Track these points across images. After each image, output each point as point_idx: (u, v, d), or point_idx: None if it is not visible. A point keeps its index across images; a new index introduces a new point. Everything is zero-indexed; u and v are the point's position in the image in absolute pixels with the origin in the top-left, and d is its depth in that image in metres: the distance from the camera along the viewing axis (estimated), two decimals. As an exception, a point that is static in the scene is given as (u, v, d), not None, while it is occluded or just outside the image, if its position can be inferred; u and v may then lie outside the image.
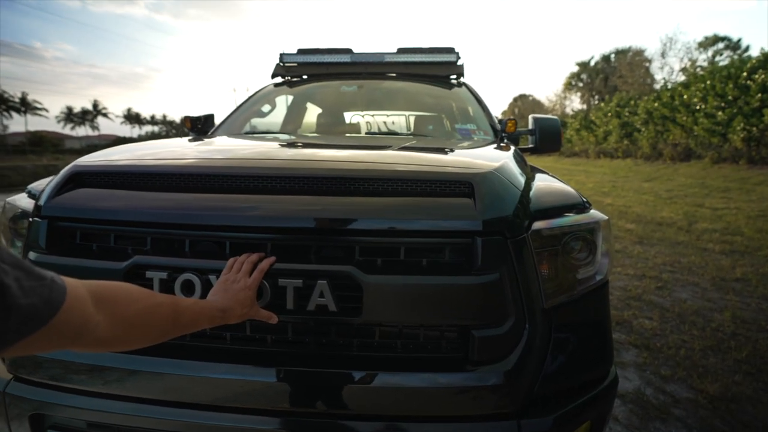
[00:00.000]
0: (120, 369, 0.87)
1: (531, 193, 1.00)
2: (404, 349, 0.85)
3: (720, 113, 11.99)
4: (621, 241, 5.02)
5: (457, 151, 1.24)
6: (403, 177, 0.88)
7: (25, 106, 54.51)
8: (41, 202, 0.94)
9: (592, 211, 1.04)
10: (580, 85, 43.60)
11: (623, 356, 2.34)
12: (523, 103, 58.66)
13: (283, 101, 2.56)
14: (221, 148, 1.36)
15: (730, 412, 1.81)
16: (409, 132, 2.28)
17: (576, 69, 44.43)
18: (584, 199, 1.06)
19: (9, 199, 1.13)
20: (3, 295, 0.40)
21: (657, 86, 25.70)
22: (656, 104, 15.62)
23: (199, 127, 2.15)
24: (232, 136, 1.96)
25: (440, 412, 0.84)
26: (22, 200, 1.09)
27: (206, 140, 1.57)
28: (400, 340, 0.85)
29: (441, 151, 1.26)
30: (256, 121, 2.35)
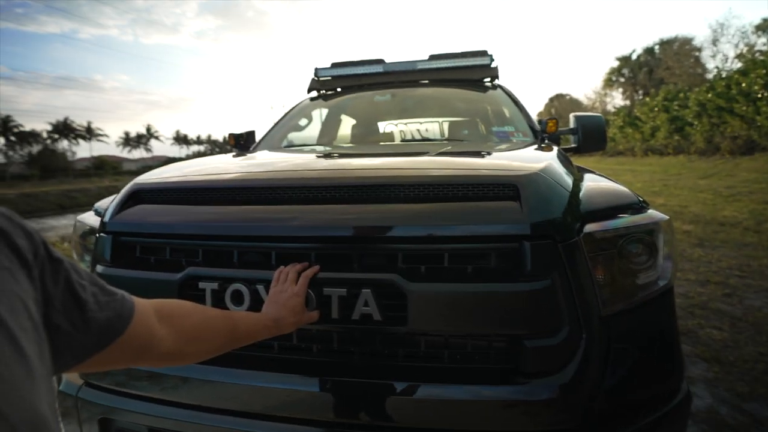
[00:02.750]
0: (176, 376, 0.91)
1: (581, 194, 0.95)
2: (451, 360, 0.82)
3: (787, 100, 10.91)
4: (679, 244, 4.65)
5: (497, 154, 1.21)
6: (444, 182, 0.86)
7: (89, 134, 60.10)
8: (106, 218, 1.02)
9: (650, 211, 0.97)
10: (622, 80, 41.39)
11: (690, 370, 2.14)
12: (560, 103, 56.60)
13: (319, 114, 2.63)
14: (263, 162, 1.41)
15: (824, 435, 1.60)
16: (443, 138, 2.25)
17: (616, 64, 42.29)
18: (640, 199, 0.99)
19: (79, 217, 1.23)
20: (83, 309, 0.43)
21: (709, 76, 23.87)
22: (710, 95, 14.48)
23: (242, 143, 2.25)
24: (273, 150, 2.03)
25: (489, 428, 0.80)
26: (90, 218, 1.19)
27: (249, 155, 1.63)
28: (446, 350, 0.82)
29: (481, 154, 1.23)
30: (294, 135, 2.43)
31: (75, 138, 58.45)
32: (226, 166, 1.27)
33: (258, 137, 2.43)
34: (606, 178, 1.19)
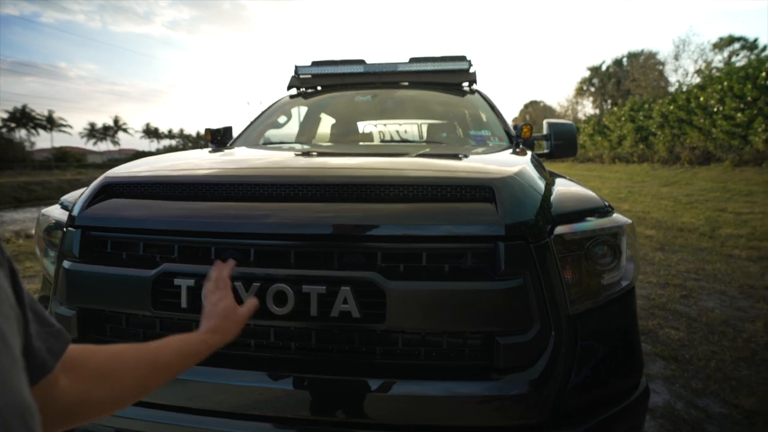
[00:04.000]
0: None
1: (552, 197, 0.99)
2: (428, 357, 0.84)
3: (739, 115, 11.70)
4: (641, 248, 4.90)
5: (474, 157, 1.25)
6: (422, 183, 0.88)
7: (51, 124, 56.76)
8: (74, 212, 0.98)
9: (615, 215, 1.03)
10: (592, 89, 43.18)
11: (650, 368, 2.26)
12: (534, 110, 58.29)
13: (299, 112, 2.61)
14: (241, 158, 1.39)
15: (769, 427, 1.73)
16: (422, 140, 2.29)
17: (587, 74, 44.06)
18: (606, 203, 1.05)
19: (44, 211, 1.17)
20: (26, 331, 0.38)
21: (671, 89, 25.26)
22: (672, 107, 15.34)
23: (219, 139, 2.20)
24: (251, 146, 2.00)
25: (464, 423, 0.82)
26: (56, 211, 1.14)
27: (226, 151, 1.60)
28: (423, 348, 0.84)
29: (458, 156, 1.27)
30: (273, 132, 2.40)
31: (34, 127, 55.04)
32: (203, 161, 1.25)
33: (235, 133, 2.38)
34: (575, 182, 1.25)
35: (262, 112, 2.56)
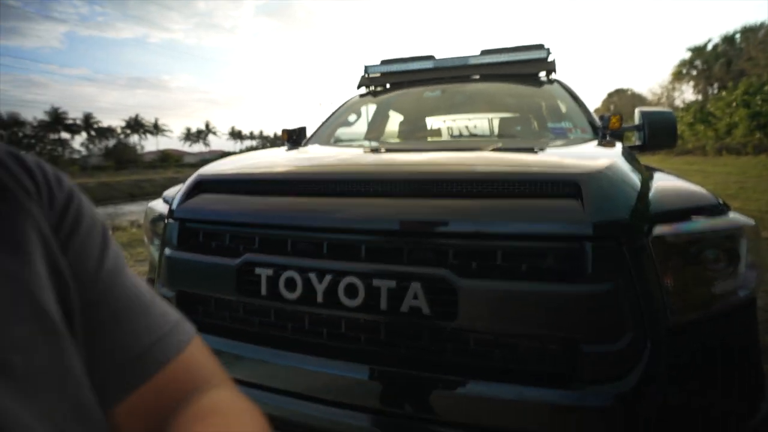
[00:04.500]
0: (231, 354, 0.96)
1: (650, 193, 0.88)
2: (502, 359, 0.80)
3: None
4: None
5: (556, 150, 1.15)
6: (499, 177, 0.84)
7: (156, 129, 65.52)
8: (173, 206, 1.10)
9: (732, 214, 0.87)
10: (694, 73, 37.63)
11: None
12: (620, 99, 52.69)
13: (369, 110, 2.66)
14: (314, 156, 1.45)
15: None
16: (493, 135, 2.18)
17: (688, 56, 38.50)
18: (720, 201, 0.90)
19: (150, 204, 1.35)
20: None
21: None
22: (803, 88, 12.80)
23: (294, 138, 2.33)
24: (323, 145, 2.08)
25: (534, 430, 0.77)
26: (159, 205, 1.29)
27: (301, 150, 1.69)
28: (497, 349, 0.80)
29: (539, 150, 1.18)
30: (343, 131, 2.47)
31: (144, 133, 63.99)
32: (280, 160, 1.33)
33: (309, 133, 2.50)
34: (678, 177, 1.09)
35: (333, 112, 2.66)
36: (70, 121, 50.68)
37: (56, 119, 48.67)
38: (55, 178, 0.32)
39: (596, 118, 1.90)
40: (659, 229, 0.79)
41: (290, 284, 0.88)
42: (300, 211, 0.93)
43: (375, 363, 0.85)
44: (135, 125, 62.41)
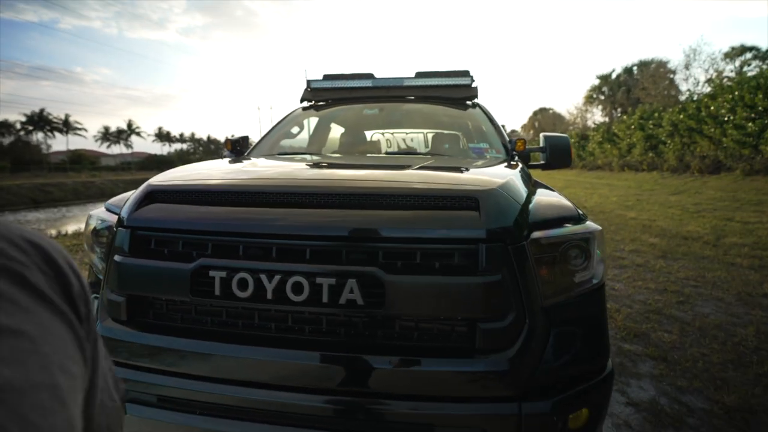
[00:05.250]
0: (181, 351, 1.05)
1: (531, 206, 1.15)
2: (420, 339, 0.99)
3: (750, 124, 11.66)
4: (643, 255, 4.98)
5: (467, 170, 1.40)
6: (418, 193, 1.04)
7: (67, 127, 58.28)
8: (123, 215, 1.15)
9: (587, 222, 1.17)
10: (602, 98, 42.98)
11: (639, 368, 2.38)
12: (543, 117, 58.24)
13: (310, 123, 2.80)
14: (261, 168, 1.56)
15: (746, 422, 1.84)
16: (427, 150, 2.45)
17: (597, 82, 43.91)
18: (580, 212, 1.20)
19: (92, 212, 1.36)
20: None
21: (682, 98, 25.13)
22: (682, 116, 15.30)
23: (238, 148, 2.39)
24: (268, 156, 2.18)
25: (452, 394, 0.97)
26: (103, 214, 1.32)
27: (249, 161, 1.78)
28: (416, 331, 0.99)
29: (453, 169, 1.43)
30: (287, 142, 2.58)
31: (51, 131, 56.58)
32: (229, 172, 1.42)
33: (250, 139, 2.58)
34: (556, 193, 1.40)
35: (277, 123, 2.75)
36: (-47, 113, 43.32)
37: (-67, 110, 41.27)
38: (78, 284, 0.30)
39: (507, 140, 2.25)
40: (535, 234, 1.05)
41: (242, 284, 1.00)
42: (250, 219, 1.05)
43: (319, 349, 1.00)
44: (39, 121, 54.95)
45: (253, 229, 1.04)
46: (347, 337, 1.00)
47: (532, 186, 1.36)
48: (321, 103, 2.85)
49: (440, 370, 0.95)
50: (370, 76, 2.80)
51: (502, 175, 1.27)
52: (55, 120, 56.73)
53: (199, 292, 1.03)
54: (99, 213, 1.34)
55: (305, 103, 2.87)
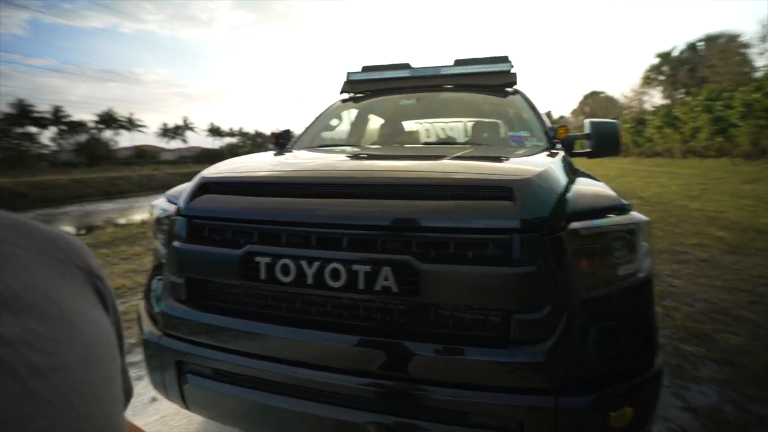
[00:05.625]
0: (232, 329, 1.14)
1: (570, 196, 1.11)
2: (455, 327, 1.01)
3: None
4: (708, 250, 4.57)
5: (503, 159, 1.38)
6: (453, 183, 1.05)
7: (131, 124, 63.51)
8: (181, 205, 1.27)
9: (632, 213, 1.12)
10: (661, 78, 39.28)
11: (700, 371, 2.20)
12: (594, 101, 54.56)
13: (351, 115, 2.85)
14: (302, 161, 1.64)
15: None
16: (466, 139, 2.41)
17: (656, 61, 40.18)
18: (624, 202, 1.14)
19: (155, 203, 1.50)
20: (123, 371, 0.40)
21: (757, 75, 22.37)
22: (757, 95, 13.68)
23: (281, 141, 2.50)
24: (309, 149, 2.26)
25: (486, 383, 0.98)
26: (164, 204, 1.45)
27: (292, 154, 1.87)
28: (451, 320, 1.01)
29: (488, 159, 1.41)
30: (327, 134, 2.66)
31: (118, 128, 61.92)
32: (273, 165, 1.51)
33: (292, 132, 2.69)
34: (598, 182, 1.33)
35: (317, 116, 2.83)
36: (38, 115, 48.65)
37: (22, 112, 46.60)
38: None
39: (550, 127, 2.16)
40: (574, 225, 1.01)
41: (285, 270, 1.06)
42: (292, 209, 1.12)
43: (356, 333, 1.04)
44: (108, 120, 60.34)
45: (293, 218, 1.10)
46: (383, 323, 1.04)
47: (572, 175, 1.31)
48: (359, 94, 2.89)
49: (475, 359, 0.96)
50: (407, 66, 2.79)
51: (539, 163, 1.23)
52: (121, 118, 62.03)
53: (247, 276, 1.11)
54: (160, 203, 1.48)
55: (344, 95, 2.93)
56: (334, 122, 2.77)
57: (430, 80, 2.68)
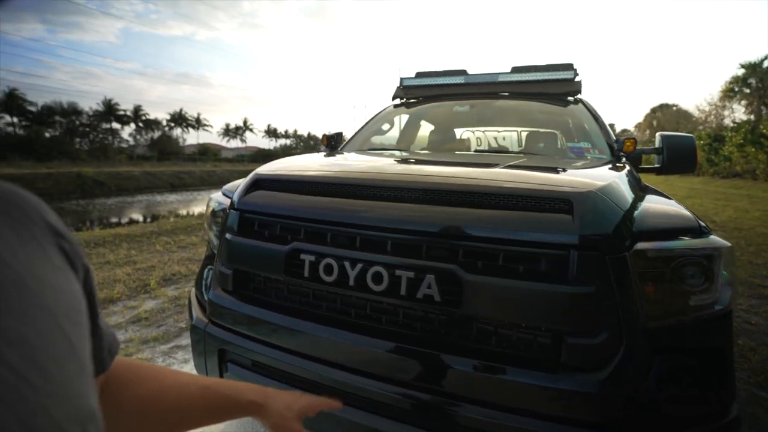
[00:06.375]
0: (272, 323, 1.17)
1: (638, 213, 1.01)
2: (499, 344, 0.95)
3: None
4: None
5: (562, 170, 1.29)
6: (506, 192, 0.99)
7: (198, 124, 68.83)
8: (234, 199, 1.33)
9: (711, 236, 0.99)
10: (747, 91, 35.29)
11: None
12: (664, 114, 50.27)
13: (402, 120, 2.85)
14: (351, 163, 1.65)
15: None
16: (519, 149, 2.31)
17: (740, 72, 36.18)
18: (702, 224, 1.01)
19: (212, 196, 1.59)
20: (96, 325, 0.39)
21: None
22: None
23: (332, 143, 2.55)
24: (359, 151, 2.29)
25: (529, 408, 0.91)
26: (220, 197, 1.53)
27: (341, 156, 1.90)
28: (495, 336, 0.96)
29: (545, 169, 1.32)
30: (377, 139, 2.67)
31: (186, 127, 67.33)
32: (323, 165, 1.53)
33: (344, 136, 2.73)
34: (671, 201, 1.20)
35: (369, 120, 2.87)
36: (121, 113, 54.26)
37: (109, 110, 52.24)
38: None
39: (615, 139, 2.00)
40: (641, 245, 0.92)
41: (328, 269, 1.07)
42: (339, 210, 1.12)
43: (394, 340, 1.02)
44: (179, 119, 65.90)
45: (339, 219, 1.11)
46: (422, 332, 1.01)
47: (640, 191, 1.19)
48: (412, 100, 2.88)
49: (518, 381, 0.90)
50: (462, 73, 2.73)
51: (602, 177, 1.14)
52: (190, 118, 67.38)
53: (292, 272, 1.13)
54: (217, 197, 1.56)
55: (397, 101, 2.93)
56: (385, 127, 2.78)
57: (487, 87, 2.60)
